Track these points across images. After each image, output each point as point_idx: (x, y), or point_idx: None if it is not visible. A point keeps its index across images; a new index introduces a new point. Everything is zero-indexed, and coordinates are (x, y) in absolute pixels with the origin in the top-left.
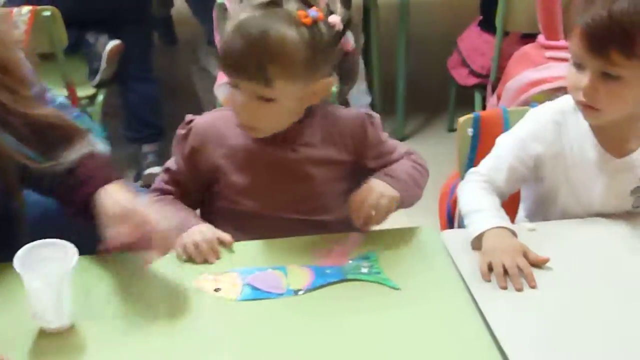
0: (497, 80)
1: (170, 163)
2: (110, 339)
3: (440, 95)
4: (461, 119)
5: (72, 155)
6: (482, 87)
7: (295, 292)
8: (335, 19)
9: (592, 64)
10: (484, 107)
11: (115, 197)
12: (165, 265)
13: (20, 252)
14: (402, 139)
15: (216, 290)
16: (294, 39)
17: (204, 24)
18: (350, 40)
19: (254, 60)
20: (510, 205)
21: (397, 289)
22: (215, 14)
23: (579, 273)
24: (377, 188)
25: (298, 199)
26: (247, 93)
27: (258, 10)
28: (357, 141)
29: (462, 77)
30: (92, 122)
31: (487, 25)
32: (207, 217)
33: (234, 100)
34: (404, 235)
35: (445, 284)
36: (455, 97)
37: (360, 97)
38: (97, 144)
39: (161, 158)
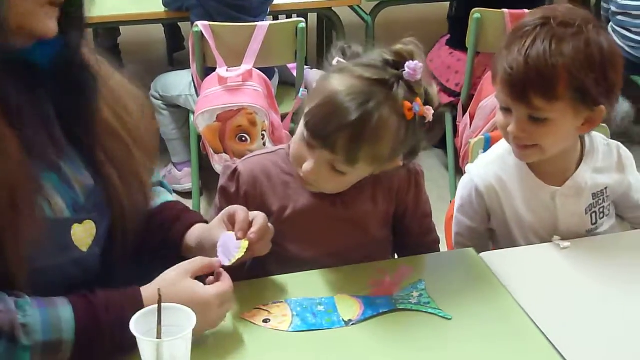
0: (469, 99)
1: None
2: None
3: None
4: (472, 141)
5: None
6: (451, 106)
7: (347, 322)
8: (429, 112)
9: (517, 109)
10: (454, 126)
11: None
12: None
13: (136, 317)
14: None
15: (265, 321)
16: (394, 129)
17: None
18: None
19: (346, 137)
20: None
21: (449, 319)
22: (191, 41)
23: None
24: None
25: (342, 249)
26: (321, 160)
27: (361, 82)
28: (401, 195)
29: None
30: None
31: (457, 43)
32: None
33: (301, 155)
34: (446, 259)
35: (496, 308)
36: None
37: None
38: (167, 193)
39: None
